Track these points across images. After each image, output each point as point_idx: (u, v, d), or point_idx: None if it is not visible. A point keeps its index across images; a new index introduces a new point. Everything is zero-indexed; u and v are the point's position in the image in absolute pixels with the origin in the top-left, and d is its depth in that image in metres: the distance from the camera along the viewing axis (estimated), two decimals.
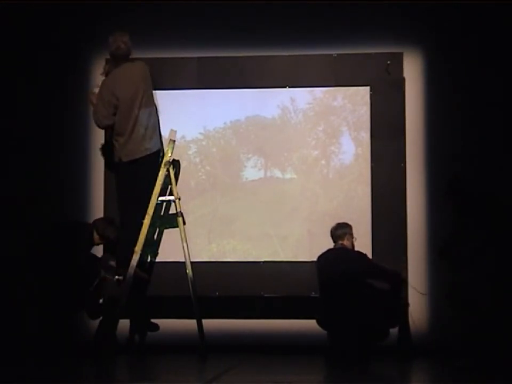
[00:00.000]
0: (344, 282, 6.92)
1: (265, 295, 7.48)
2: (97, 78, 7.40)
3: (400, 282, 7.09)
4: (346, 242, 7.16)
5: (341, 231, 7.17)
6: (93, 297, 7.09)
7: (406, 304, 7.25)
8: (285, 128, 7.70)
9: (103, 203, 7.61)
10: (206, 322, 6.97)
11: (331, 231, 7.20)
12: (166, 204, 7.32)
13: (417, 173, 7.56)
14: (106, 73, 7.19)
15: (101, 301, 7.20)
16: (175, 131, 7.12)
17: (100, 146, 7.51)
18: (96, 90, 7.18)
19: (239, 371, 6.41)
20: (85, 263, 7.05)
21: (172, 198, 7.11)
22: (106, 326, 6.98)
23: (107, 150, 7.42)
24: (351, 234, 7.18)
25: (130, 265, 6.85)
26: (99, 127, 7.18)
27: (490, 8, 7.48)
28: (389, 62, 7.58)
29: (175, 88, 7.67)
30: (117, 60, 7.12)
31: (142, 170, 7.04)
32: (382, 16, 7.63)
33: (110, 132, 7.21)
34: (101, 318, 7.12)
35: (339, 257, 7.09)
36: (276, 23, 7.69)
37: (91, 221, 7.40)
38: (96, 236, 7.18)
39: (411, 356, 6.93)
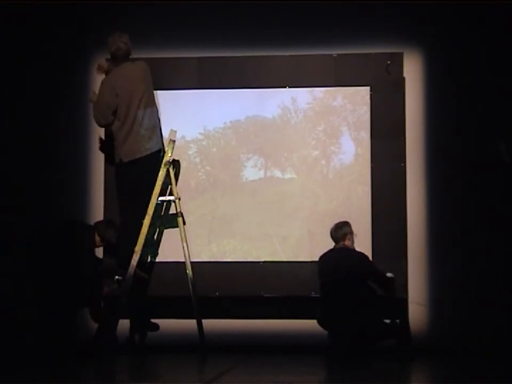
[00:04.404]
0: (346, 282, 6.92)
1: (265, 295, 7.48)
2: (98, 78, 7.41)
3: (392, 285, 7.10)
4: (347, 242, 7.15)
5: (341, 231, 7.16)
6: (96, 301, 7.09)
7: (406, 304, 7.27)
8: (285, 128, 7.70)
9: (103, 203, 7.60)
10: (206, 322, 6.97)
11: (331, 233, 7.18)
12: (166, 204, 7.33)
13: (417, 173, 7.56)
14: (106, 73, 7.21)
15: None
16: (175, 131, 7.12)
17: (98, 140, 7.52)
18: (97, 90, 7.21)
19: (239, 371, 6.41)
20: (88, 265, 7.06)
21: (172, 198, 7.11)
22: (106, 326, 6.98)
23: (107, 148, 7.43)
24: (352, 233, 7.17)
25: (130, 265, 6.86)
26: (98, 125, 7.22)
27: (490, 8, 7.48)
28: (389, 62, 7.58)
29: (175, 88, 7.67)
30: (117, 60, 7.13)
31: (142, 170, 7.05)
32: (382, 16, 7.63)
33: (110, 130, 7.23)
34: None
35: (341, 257, 7.08)
36: (276, 23, 7.69)
37: (91, 221, 7.41)
38: (97, 239, 7.20)
39: (411, 356, 6.92)
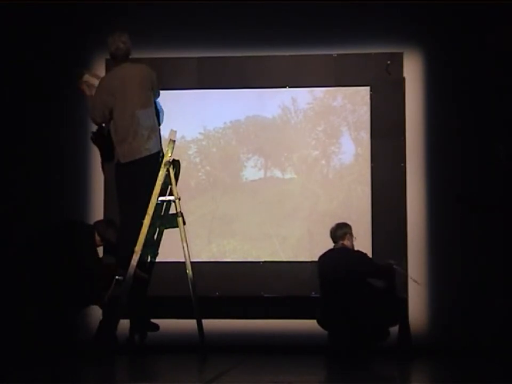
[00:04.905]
0: (346, 282, 6.93)
1: (265, 295, 7.48)
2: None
3: (394, 274, 7.08)
4: (346, 242, 7.16)
5: (341, 231, 7.17)
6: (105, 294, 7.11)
7: (406, 304, 7.27)
8: (285, 128, 7.70)
9: (103, 203, 7.61)
10: (206, 322, 6.97)
11: (331, 232, 7.20)
12: (166, 204, 7.32)
13: (417, 173, 7.56)
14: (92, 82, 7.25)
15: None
16: (175, 131, 7.12)
17: (91, 135, 7.51)
18: (87, 77, 7.20)
19: (239, 371, 6.41)
20: (91, 264, 7.07)
21: (172, 198, 7.10)
22: (106, 326, 6.98)
23: (105, 148, 7.44)
24: (351, 234, 7.19)
25: (130, 265, 6.85)
26: (94, 123, 7.23)
27: (490, 8, 7.48)
28: (389, 62, 7.58)
29: (175, 88, 7.67)
30: (117, 60, 7.13)
31: (141, 171, 7.04)
32: (382, 16, 7.63)
33: (108, 131, 7.23)
34: (101, 317, 7.13)
35: (341, 257, 7.09)
36: (276, 23, 7.69)
37: (91, 221, 7.41)
38: (97, 238, 7.20)
39: (411, 356, 6.93)
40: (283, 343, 7.38)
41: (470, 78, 7.56)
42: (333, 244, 7.21)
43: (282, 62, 7.66)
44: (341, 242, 7.16)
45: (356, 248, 7.18)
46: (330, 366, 6.83)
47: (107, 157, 7.41)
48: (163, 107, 7.41)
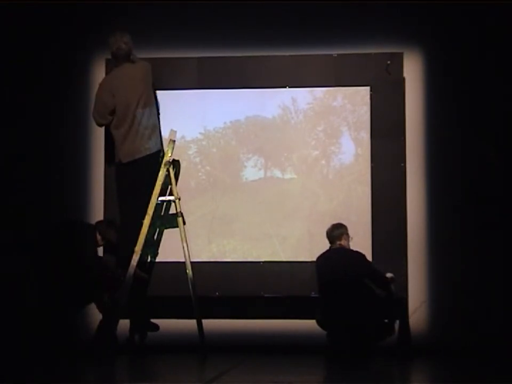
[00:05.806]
0: (345, 282, 6.92)
1: (265, 295, 7.48)
2: (98, 78, 7.43)
3: (389, 285, 7.08)
4: (343, 242, 7.16)
5: (338, 231, 7.17)
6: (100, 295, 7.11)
7: (406, 304, 7.27)
8: (285, 128, 7.70)
9: (103, 203, 7.61)
10: (206, 322, 6.98)
11: (327, 233, 7.19)
12: (166, 204, 7.33)
13: (417, 173, 7.56)
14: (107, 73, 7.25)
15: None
16: (175, 131, 7.13)
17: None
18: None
19: (239, 371, 6.41)
20: (93, 264, 7.07)
21: (172, 198, 7.11)
22: (106, 326, 6.98)
23: (107, 148, 7.44)
24: (347, 234, 7.19)
25: (130, 265, 6.86)
26: (97, 125, 7.23)
27: (490, 8, 7.48)
28: (389, 62, 7.58)
29: (175, 88, 7.67)
30: (118, 60, 7.14)
31: (142, 171, 7.06)
32: (382, 16, 7.63)
33: (110, 131, 7.23)
34: (101, 317, 7.13)
35: (340, 257, 7.09)
36: (276, 23, 7.69)
37: (91, 221, 7.41)
38: (98, 237, 7.21)
39: (411, 356, 6.92)
40: (283, 343, 7.38)
41: (470, 78, 7.56)
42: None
43: (282, 62, 7.66)
44: (338, 242, 7.17)
45: (356, 247, 7.18)
46: (330, 366, 6.83)
47: (109, 157, 7.41)
48: (163, 107, 7.42)
